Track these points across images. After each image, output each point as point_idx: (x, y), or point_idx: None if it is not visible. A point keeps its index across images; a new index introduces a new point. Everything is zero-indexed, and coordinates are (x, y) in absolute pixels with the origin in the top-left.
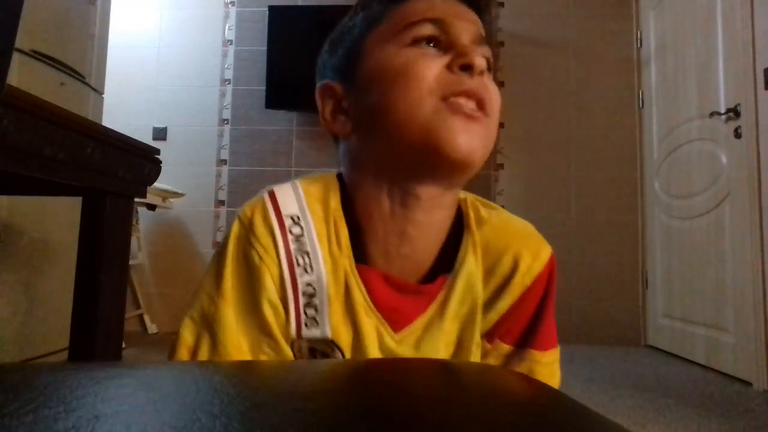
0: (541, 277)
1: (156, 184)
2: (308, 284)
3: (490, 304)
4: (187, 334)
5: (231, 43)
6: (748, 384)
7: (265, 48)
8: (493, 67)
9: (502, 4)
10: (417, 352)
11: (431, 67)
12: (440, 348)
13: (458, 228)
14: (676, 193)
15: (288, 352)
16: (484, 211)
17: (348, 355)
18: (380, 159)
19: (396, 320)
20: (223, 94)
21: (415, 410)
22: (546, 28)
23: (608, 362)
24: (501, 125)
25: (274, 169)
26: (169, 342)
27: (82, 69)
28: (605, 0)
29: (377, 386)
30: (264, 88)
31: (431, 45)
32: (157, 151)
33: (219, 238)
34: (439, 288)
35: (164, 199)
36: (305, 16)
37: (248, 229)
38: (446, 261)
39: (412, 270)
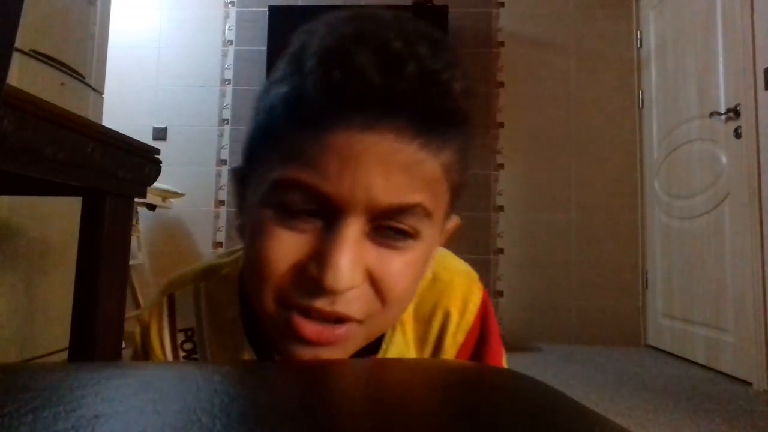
0: (472, 329)
1: (156, 184)
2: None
3: None
4: None
5: (231, 43)
6: (748, 384)
7: (265, 48)
8: (415, 233)
9: (502, 4)
10: None
11: (282, 263)
12: None
13: None
14: (676, 193)
15: None
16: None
17: None
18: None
19: None
20: (223, 94)
21: (415, 410)
22: (546, 28)
23: (608, 362)
24: (501, 125)
25: None
26: None
27: (82, 69)
28: (605, 0)
29: (376, 386)
30: None
31: (302, 217)
32: (157, 151)
33: (219, 238)
34: None
35: (164, 199)
36: (305, 16)
37: (144, 337)
38: (373, 341)
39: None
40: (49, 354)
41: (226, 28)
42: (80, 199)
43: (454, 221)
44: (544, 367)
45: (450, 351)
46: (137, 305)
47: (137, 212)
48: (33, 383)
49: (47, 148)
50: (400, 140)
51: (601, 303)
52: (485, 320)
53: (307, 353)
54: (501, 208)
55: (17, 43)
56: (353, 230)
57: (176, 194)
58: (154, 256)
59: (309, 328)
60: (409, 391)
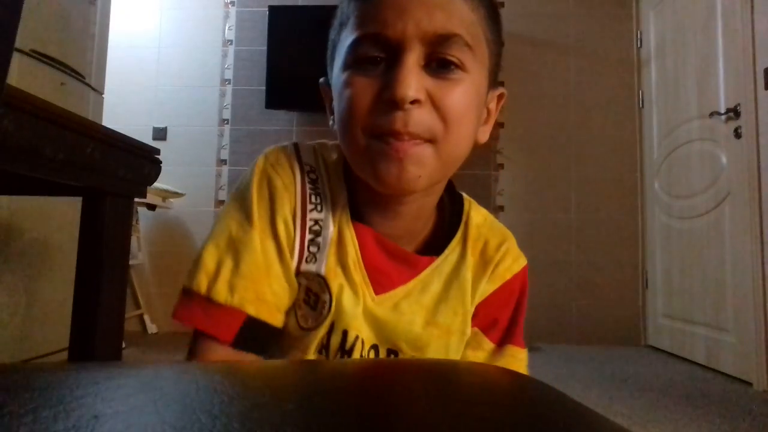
0: (517, 277)
1: (156, 184)
2: (315, 222)
3: (475, 286)
4: (210, 261)
5: (231, 43)
6: (748, 384)
7: (265, 48)
8: (461, 63)
9: (502, 4)
10: (393, 316)
11: (363, 100)
12: (416, 321)
13: (456, 218)
14: (676, 193)
15: (293, 277)
16: (484, 213)
17: (334, 302)
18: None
19: (379, 282)
20: (223, 94)
21: (415, 410)
22: (546, 28)
23: (608, 362)
24: (501, 125)
25: None
26: (168, 342)
27: (82, 69)
28: (605, 0)
29: (376, 386)
30: (264, 88)
31: (373, 63)
32: (157, 151)
33: None
34: (426, 264)
35: (164, 199)
36: (305, 16)
37: (274, 163)
38: (438, 245)
39: (404, 240)
40: (49, 354)
41: (226, 28)
42: (80, 199)
43: (501, 90)
44: (544, 367)
45: (497, 280)
46: (137, 305)
47: (137, 212)
48: (33, 383)
49: (47, 148)
50: None
51: (601, 303)
52: (525, 282)
53: (393, 168)
54: (501, 208)
55: (17, 43)
56: (410, 58)
57: (176, 194)
58: (154, 256)
59: (393, 143)
60: (409, 391)
